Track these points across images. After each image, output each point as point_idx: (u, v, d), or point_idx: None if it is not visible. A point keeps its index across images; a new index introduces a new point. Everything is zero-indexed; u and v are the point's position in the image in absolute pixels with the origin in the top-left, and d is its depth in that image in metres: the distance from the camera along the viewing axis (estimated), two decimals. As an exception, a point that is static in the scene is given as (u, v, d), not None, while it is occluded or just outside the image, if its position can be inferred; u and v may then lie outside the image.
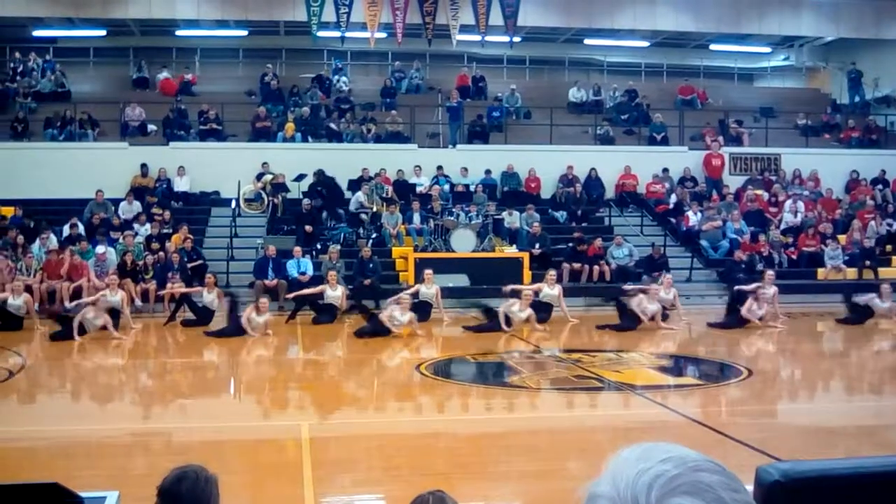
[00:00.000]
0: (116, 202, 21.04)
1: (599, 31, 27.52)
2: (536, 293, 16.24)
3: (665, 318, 15.85)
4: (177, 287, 17.13)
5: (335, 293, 16.42)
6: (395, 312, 14.83)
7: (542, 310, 16.01)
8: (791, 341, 15.04)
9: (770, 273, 16.96)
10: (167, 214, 20.42)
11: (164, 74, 26.03)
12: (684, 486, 1.00)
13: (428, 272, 16.81)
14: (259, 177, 22.21)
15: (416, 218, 20.79)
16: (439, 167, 23.02)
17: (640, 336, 14.72)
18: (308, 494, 5.99)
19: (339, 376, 12.07)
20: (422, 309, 15.89)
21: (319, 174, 22.02)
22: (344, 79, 26.61)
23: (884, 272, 20.39)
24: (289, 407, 9.83)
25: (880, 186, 24.40)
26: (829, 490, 1.73)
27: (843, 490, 1.75)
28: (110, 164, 21.91)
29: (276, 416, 9.30)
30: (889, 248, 21.63)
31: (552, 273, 16.91)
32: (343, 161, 22.42)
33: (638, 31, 27.44)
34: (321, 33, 24.68)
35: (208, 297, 16.15)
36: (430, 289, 16.55)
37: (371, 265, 18.55)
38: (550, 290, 16.42)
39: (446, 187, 22.40)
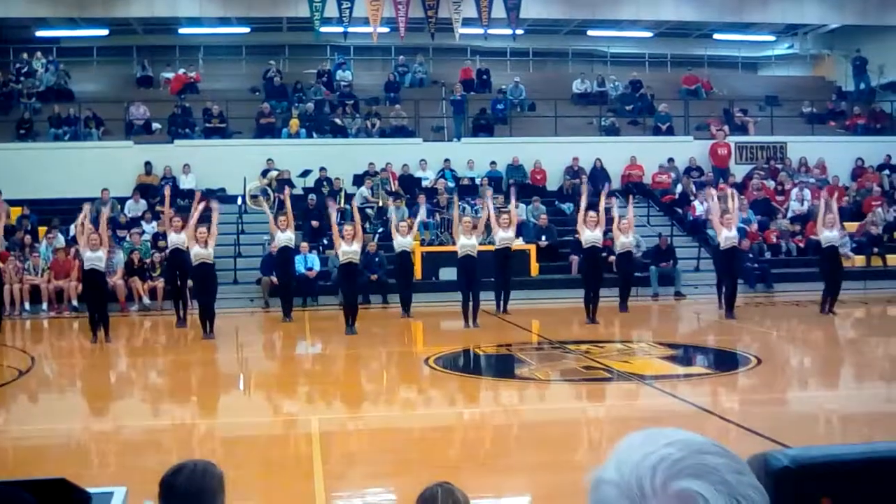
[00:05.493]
0: (122, 200, 21.08)
1: (602, 23, 27.43)
2: None
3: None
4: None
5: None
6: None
7: None
8: (800, 329, 15.01)
9: None
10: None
11: (181, 71, 26.03)
12: (689, 469, 0.99)
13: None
14: (264, 173, 22.22)
15: (423, 212, 20.76)
16: (446, 159, 22.99)
17: (648, 325, 14.71)
18: (319, 489, 5.99)
19: (348, 370, 12.08)
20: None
21: None
22: (347, 73, 26.59)
23: (892, 259, 20.32)
24: (299, 401, 9.84)
25: (887, 172, 24.31)
26: (840, 476, 1.72)
27: (853, 476, 1.73)
28: (115, 162, 21.94)
29: (287, 411, 9.31)
30: (897, 234, 21.57)
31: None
32: (348, 156, 22.45)
33: (641, 22, 27.35)
34: (324, 29, 24.67)
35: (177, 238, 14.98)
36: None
37: (377, 259, 18.54)
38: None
39: (451, 182, 22.39)
